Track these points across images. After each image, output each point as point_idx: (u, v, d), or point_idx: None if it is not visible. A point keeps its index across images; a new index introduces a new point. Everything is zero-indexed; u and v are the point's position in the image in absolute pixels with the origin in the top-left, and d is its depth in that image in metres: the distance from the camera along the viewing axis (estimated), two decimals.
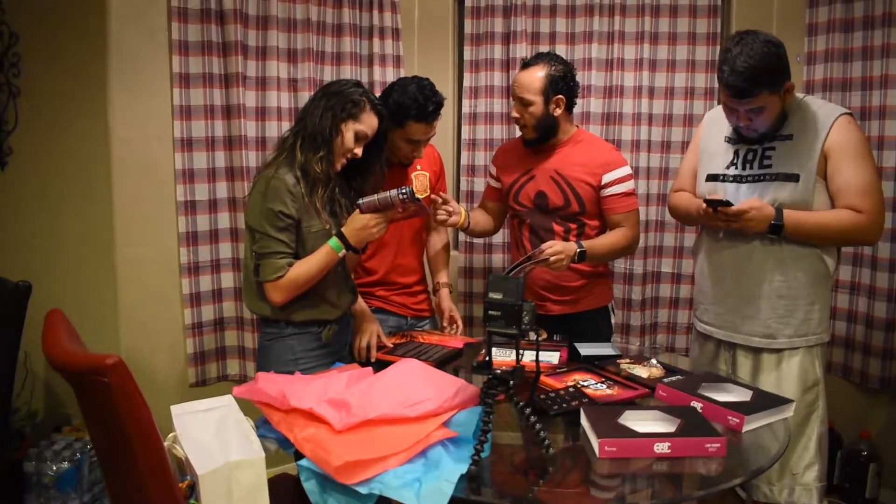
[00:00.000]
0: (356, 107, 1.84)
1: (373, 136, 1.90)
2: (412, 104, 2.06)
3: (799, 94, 1.92)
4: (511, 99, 2.27)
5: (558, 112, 2.17)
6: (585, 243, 2.12)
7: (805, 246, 1.87)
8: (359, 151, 1.87)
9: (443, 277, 2.39)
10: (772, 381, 1.91)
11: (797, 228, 1.83)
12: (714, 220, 1.90)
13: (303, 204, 1.81)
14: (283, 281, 1.79)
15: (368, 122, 1.87)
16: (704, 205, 1.87)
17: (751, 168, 1.92)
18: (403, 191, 1.77)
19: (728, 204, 1.84)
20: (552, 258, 2.02)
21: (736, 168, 1.95)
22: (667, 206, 2.35)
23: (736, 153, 1.96)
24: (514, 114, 2.21)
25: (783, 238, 1.86)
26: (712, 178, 2.00)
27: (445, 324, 2.29)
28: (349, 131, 1.84)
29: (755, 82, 1.75)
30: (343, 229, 1.81)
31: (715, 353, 2.05)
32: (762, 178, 1.89)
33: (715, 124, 2.03)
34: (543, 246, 2.05)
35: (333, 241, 1.81)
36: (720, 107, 1.99)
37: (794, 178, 1.84)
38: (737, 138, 1.96)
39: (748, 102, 1.79)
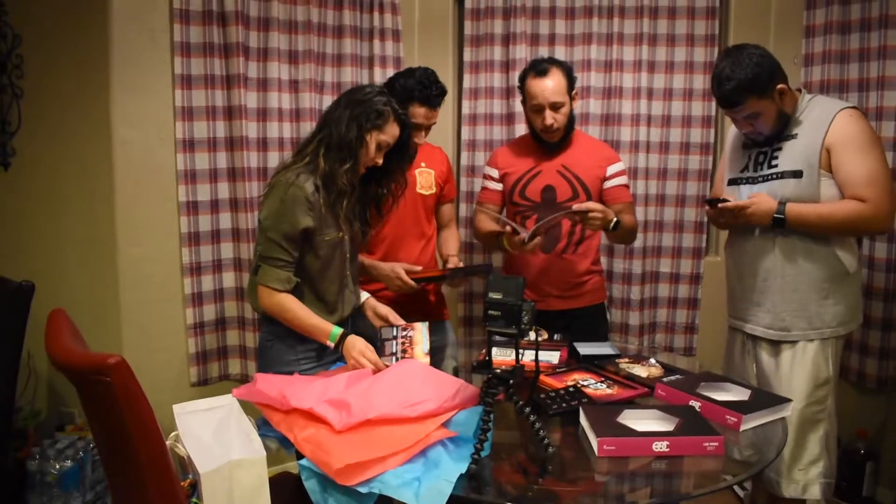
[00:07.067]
0: (381, 117, 1.82)
1: (394, 144, 1.89)
2: (417, 86, 2.15)
3: (808, 95, 1.98)
4: (537, 109, 2.21)
5: (576, 109, 2.31)
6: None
7: (818, 242, 1.92)
8: (379, 160, 1.87)
9: (452, 251, 2.39)
10: (786, 373, 1.96)
11: (800, 220, 1.88)
12: (717, 217, 2.00)
13: (320, 212, 1.80)
14: (278, 299, 1.78)
15: (391, 132, 1.85)
16: (706, 206, 1.94)
17: (761, 169, 2.00)
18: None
19: (724, 202, 1.93)
20: (591, 214, 2.06)
21: (749, 171, 2.04)
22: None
23: (749, 157, 2.05)
24: (549, 121, 2.20)
25: (792, 232, 1.91)
26: (732, 182, 2.08)
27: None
28: (373, 142, 1.82)
29: (738, 92, 1.86)
30: (347, 340, 1.77)
31: (742, 346, 2.11)
32: (770, 177, 1.97)
33: (737, 131, 2.11)
34: (589, 204, 2.08)
35: (333, 334, 1.78)
36: None
37: (798, 174, 1.90)
38: (750, 143, 2.05)
39: (739, 111, 1.91)
